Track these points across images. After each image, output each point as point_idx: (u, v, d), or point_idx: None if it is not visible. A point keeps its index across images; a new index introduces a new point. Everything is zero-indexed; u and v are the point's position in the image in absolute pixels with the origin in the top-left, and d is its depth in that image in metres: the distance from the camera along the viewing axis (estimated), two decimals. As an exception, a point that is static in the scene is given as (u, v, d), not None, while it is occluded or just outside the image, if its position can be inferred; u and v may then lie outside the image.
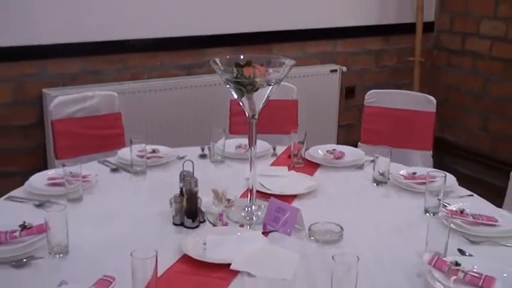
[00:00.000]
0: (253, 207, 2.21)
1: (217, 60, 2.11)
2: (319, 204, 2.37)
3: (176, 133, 3.73)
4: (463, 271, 1.78)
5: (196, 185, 2.14)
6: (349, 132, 4.78)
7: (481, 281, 1.75)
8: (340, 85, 4.61)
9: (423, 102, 3.27)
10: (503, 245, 2.04)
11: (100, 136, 3.16)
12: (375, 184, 2.54)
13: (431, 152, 3.26)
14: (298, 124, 3.39)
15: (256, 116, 2.16)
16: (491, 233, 2.09)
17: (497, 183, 3.04)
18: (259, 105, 2.14)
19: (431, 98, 3.25)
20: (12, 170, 3.65)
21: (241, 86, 2.08)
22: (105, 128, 3.21)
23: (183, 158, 2.79)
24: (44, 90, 3.82)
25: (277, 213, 2.11)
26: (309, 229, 2.07)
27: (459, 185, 2.54)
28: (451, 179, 2.51)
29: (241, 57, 2.11)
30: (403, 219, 2.24)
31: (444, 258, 1.84)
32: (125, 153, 2.71)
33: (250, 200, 2.22)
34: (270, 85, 2.10)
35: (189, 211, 2.13)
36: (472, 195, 2.46)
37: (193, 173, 2.18)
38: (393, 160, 2.69)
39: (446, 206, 2.27)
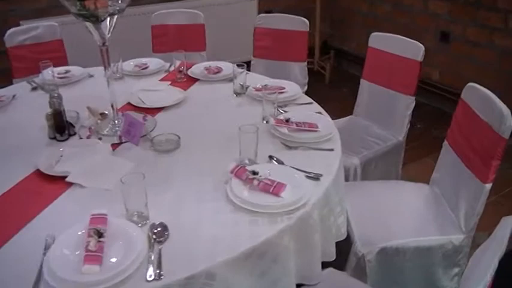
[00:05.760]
0: (116, 121, 1.74)
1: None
2: (181, 115, 1.89)
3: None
4: (258, 179, 1.34)
5: (59, 105, 1.67)
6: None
7: (272, 187, 1.32)
8: (257, 10, 3.94)
9: (299, 24, 2.68)
10: (316, 148, 1.59)
11: (46, 59, 2.62)
12: (235, 95, 2.04)
13: (306, 63, 2.73)
14: (205, 45, 2.85)
15: (107, 44, 1.64)
16: (307, 139, 1.62)
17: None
18: (107, 33, 1.62)
19: (305, 19, 2.67)
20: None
21: (86, 18, 1.55)
22: (49, 52, 2.66)
23: (92, 76, 2.31)
24: (21, 22, 3.22)
25: (129, 127, 1.66)
26: (151, 140, 1.62)
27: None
28: (296, 89, 2.02)
29: (85, -9, 1.56)
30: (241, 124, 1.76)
31: (247, 167, 1.40)
32: (47, 75, 2.19)
33: (113, 114, 1.74)
34: (114, 15, 1.57)
35: (58, 126, 1.68)
36: (311, 103, 1.97)
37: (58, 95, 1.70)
38: (275, 71, 2.20)
39: (281, 112, 1.81)
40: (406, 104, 2.19)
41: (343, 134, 2.31)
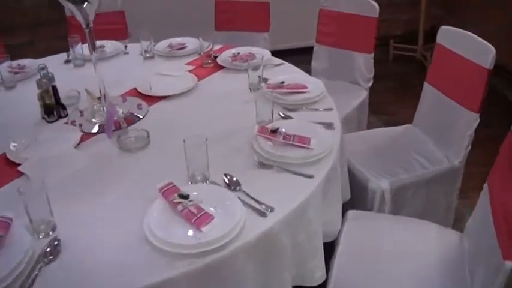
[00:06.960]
0: (104, 108, 1.65)
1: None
2: (179, 107, 1.73)
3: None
4: (183, 205, 1.15)
5: (47, 85, 1.63)
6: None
7: (195, 218, 1.11)
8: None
9: (367, 8, 2.28)
10: (293, 172, 1.31)
11: (105, 30, 2.64)
12: (249, 90, 1.81)
13: (372, 55, 2.34)
14: (269, 25, 2.62)
15: (91, 25, 1.55)
16: (286, 158, 1.34)
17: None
18: (91, 16, 1.52)
19: (375, 4, 2.26)
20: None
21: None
22: (108, 23, 2.68)
23: (127, 53, 2.26)
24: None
25: (109, 120, 1.56)
26: (119, 137, 1.50)
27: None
28: (319, 90, 1.71)
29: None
30: (233, 126, 1.55)
31: (180, 187, 1.20)
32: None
33: (102, 102, 1.66)
34: (95, -4, 1.46)
35: (46, 108, 1.66)
36: (331, 109, 1.65)
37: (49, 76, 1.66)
38: (338, 61, 2.05)
39: (281, 117, 1.55)
40: (467, 121, 1.73)
41: (387, 147, 1.96)
